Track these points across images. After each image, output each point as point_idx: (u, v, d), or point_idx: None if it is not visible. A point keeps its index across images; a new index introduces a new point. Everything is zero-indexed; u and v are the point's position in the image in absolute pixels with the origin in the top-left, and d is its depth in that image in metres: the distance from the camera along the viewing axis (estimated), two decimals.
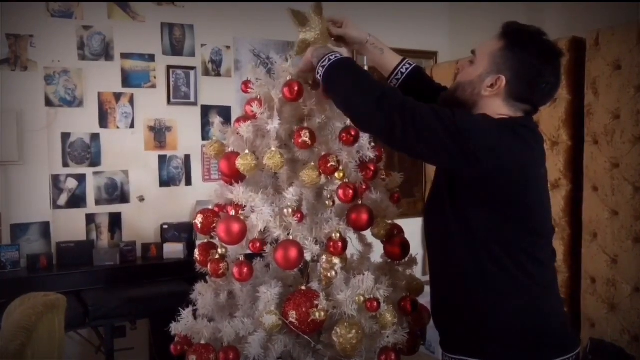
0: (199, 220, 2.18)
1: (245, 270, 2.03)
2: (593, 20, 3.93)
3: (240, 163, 2.04)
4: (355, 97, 1.76)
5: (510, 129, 1.72)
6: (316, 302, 1.91)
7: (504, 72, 1.76)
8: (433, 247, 1.95)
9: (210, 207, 2.27)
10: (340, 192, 1.99)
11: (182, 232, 4.37)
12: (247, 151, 2.05)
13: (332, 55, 1.86)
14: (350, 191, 1.99)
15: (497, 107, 1.79)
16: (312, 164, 2.03)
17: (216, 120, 2.33)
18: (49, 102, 4.11)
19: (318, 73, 1.89)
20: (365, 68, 5.00)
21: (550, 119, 3.88)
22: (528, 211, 1.76)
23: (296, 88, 2.01)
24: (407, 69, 2.17)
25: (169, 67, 4.48)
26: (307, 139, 2.00)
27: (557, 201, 3.87)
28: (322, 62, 1.87)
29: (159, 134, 4.48)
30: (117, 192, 4.35)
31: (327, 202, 2.07)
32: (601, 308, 3.67)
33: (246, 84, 2.22)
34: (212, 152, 2.26)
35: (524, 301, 1.75)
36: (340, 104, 1.87)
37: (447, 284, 1.89)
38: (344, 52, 1.98)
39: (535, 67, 1.75)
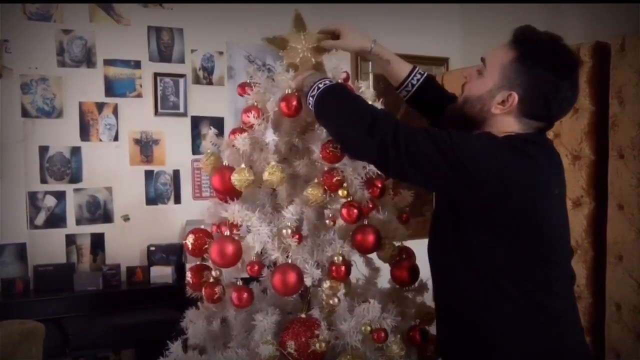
0: (189, 240, 2.16)
1: (245, 295, 2.03)
2: (618, 24, 3.94)
3: (236, 178, 2.03)
4: (346, 125, 1.79)
5: (515, 148, 1.69)
6: (317, 332, 1.91)
7: (515, 88, 1.72)
8: (436, 274, 1.93)
9: (202, 226, 2.26)
10: (344, 211, 1.98)
11: (171, 254, 4.36)
12: (243, 165, 2.05)
13: (320, 83, 1.87)
14: (355, 211, 1.98)
15: (508, 124, 1.77)
16: (316, 180, 2.01)
17: (210, 131, 2.32)
18: (25, 113, 4.13)
19: (309, 103, 1.90)
20: (371, 75, 5.07)
21: (572, 132, 3.89)
22: (537, 236, 1.72)
23: (294, 103, 1.97)
24: (418, 79, 2.16)
25: (156, 75, 4.50)
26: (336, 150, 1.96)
27: (579, 220, 3.87)
28: (312, 92, 1.88)
29: (146, 147, 4.48)
30: (99, 211, 4.36)
31: (327, 222, 2.07)
32: (627, 337, 3.65)
33: (243, 86, 2.19)
34: (208, 167, 2.25)
35: (534, 334, 1.72)
36: (332, 133, 1.90)
37: (452, 315, 1.88)
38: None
39: (550, 83, 1.71)
